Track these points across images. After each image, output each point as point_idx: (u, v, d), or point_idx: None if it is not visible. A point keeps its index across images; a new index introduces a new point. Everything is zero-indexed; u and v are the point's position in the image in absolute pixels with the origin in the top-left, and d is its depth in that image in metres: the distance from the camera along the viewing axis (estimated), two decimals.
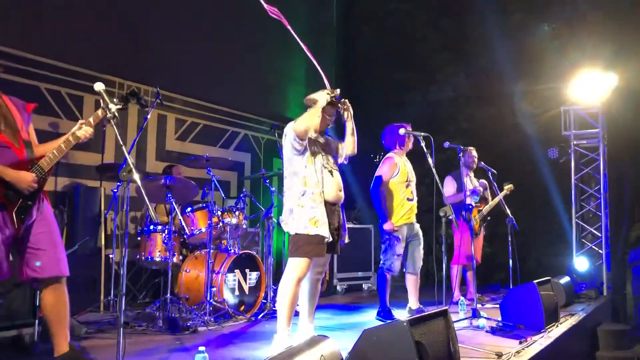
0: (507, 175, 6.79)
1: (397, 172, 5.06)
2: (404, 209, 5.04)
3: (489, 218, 6.57)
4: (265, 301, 5.35)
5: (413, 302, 5.17)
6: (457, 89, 9.45)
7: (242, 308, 5.16)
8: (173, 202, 4.93)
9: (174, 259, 5.11)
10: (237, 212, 5.38)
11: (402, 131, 5.02)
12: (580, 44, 8.40)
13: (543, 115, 8.64)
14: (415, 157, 5.21)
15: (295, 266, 3.63)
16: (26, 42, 5.40)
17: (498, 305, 5.00)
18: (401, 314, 5.07)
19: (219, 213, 5.27)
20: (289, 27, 3.81)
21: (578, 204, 8.27)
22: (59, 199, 5.53)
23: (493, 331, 4.41)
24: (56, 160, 3.00)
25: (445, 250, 4.63)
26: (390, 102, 9.36)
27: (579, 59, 8.14)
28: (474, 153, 6.35)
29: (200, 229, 5.22)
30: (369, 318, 5.27)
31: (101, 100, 2.88)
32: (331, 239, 3.69)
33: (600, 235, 7.97)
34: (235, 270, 5.15)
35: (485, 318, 4.68)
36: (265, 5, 3.79)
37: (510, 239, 6.02)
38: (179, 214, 5.11)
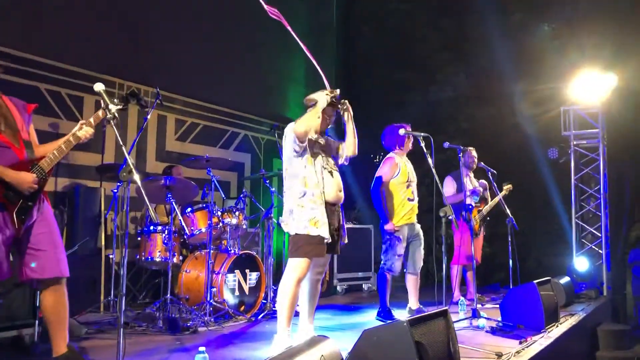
0: (507, 175, 6.79)
1: (398, 172, 5.06)
2: (404, 210, 5.04)
3: (488, 218, 6.57)
4: (265, 301, 5.35)
5: (413, 302, 5.17)
6: (457, 89, 9.45)
7: (242, 308, 5.16)
8: (173, 203, 4.94)
9: (174, 260, 5.11)
10: (237, 213, 5.38)
11: (401, 131, 5.02)
12: (580, 44, 8.41)
13: (543, 116, 8.64)
14: (415, 157, 5.22)
15: (295, 266, 3.63)
16: (26, 42, 5.41)
17: (498, 306, 5.00)
18: (401, 314, 5.07)
19: (219, 213, 5.27)
20: (289, 28, 3.81)
21: (578, 204, 8.27)
22: (59, 200, 5.53)
23: (493, 331, 4.41)
24: (57, 161, 3.00)
25: (445, 251, 4.63)
26: (390, 102, 9.36)
27: (578, 59, 8.15)
28: (474, 153, 6.35)
29: (200, 230, 5.22)
30: (369, 318, 5.27)
31: (101, 101, 2.88)
32: (331, 240, 3.69)
33: (600, 235, 7.97)
34: (236, 271, 5.15)
35: (485, 318, 4.68)
36: (265, 6, 3.79)
37: (510, 239, 6.02)
38: (179, 214, 5.11)
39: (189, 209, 5.31)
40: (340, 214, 3.92)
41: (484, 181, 6.48)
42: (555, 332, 4.52)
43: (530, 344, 3.97)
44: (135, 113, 6.45)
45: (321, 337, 2.44)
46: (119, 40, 6.22)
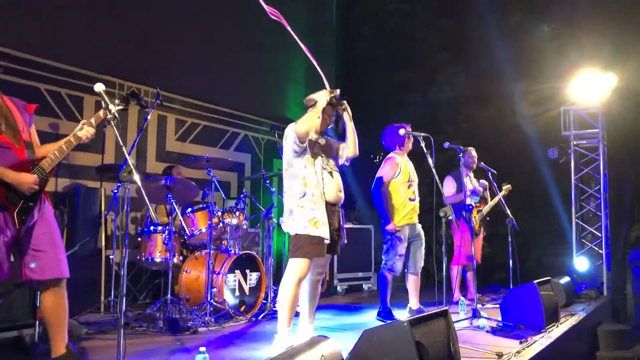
0: (507, 175, 6.79)
1: (399, 172, 5.06)
2: (406, 209, 5.04)
3: (488, 218, 6.58)
4: (265, 302, 5.35)
5: (413, 302, 5.18)
6: (456, 89, 9.46)
7: (242, 308, 5.16)
8: (173, 203, 4.94)
9: (175, 260, 5.11)
10: (237, 213, 5.38)
11: (401, 132, 5.02)
12: (579, 44, 8.41)
13: (543, 116, 8.64)
14: (415, 157, 5.22)
15: (295, 267, 3.63)
16: (26, 43, 5.41)
17: (498, 306, 5.00)
18: (401, 315, 5.07)
19: (219, 214, 5.27)
20: (289, 29, 3.81)
21: (578, 204, 8.27)
22: (60, 200, 5.53)
23: (493, 331, 4.41)
24: (57, 161, 3.00)
25: (446, 251, 4.63)
26: (390, 103, 9.36)
27: (578, 59, 8.15)
28: (474, 153, 6.36)
29: (201, 230, 5.23)
30: (370, 318, 5.27)
31: (102, 101, 2.88)
32: (331, 240, 3.69)
33: (600, 235, 7.97)
34: (236, 271, 5.15)
35: (486, 318, 4.68)
36: (265, 7, 3.79)
37: (510, 239, 6.02)
38: (179, 214, 5.12)
39: (189, 209, 5.31)
40: (341, 214, 3.92)
41: (484, 181, 6.49)
42: (555, 332, 4.52)
43: (531, 344, 3.97)
44: (136, 113, 6.45)
45: (321, 337, 2.45)
46: (119, 40, 6.22)
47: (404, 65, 9.54)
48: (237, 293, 5.15)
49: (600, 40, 8.13)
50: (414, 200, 5.11)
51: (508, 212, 6.13)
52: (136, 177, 2.71)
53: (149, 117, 5.21)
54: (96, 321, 4.65)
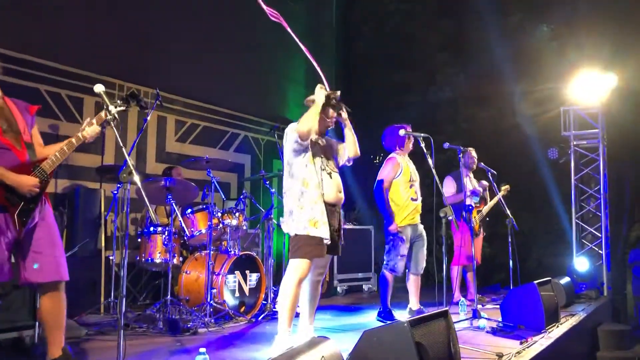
0: (507, 175, 6.79)
1: (400, 172, 5.06)
2: (408, 210, 5.03)
3: (487, 219, 6.58)
4: (265, 302, 5.35)
5: (414, 302, 5.17)
6: (456, 90, 9.46)
7: (242, 309, 5.16)
8: (173, 204, 4.93)
9: (174, 261, 5.11)
10: (237, 214, 5.38)
11: (401, 132, 5.02)
12: (579, 44, 8.41)
13: (543, 116, 8.64)
14: (416, 157, 5.23)
15: (295, 267, 3.63)
16: (26, 43, 5.40)
17: (498, 306, 5.00)
18: (402, 315, 5.07)
19: (219, 214, 5.27)
20: (289, 30, 3.81)
21: (578, 204, 8.27)
22: (59, 201, 5.53)
23: (493, 332, 4.41)
24: (58, 163, 2.99)
25: (446, 251, 4.63)
26: (390, 103, 9.36)
27: (578, 59, 8.15)
28: (474, 154, 6.36)
29: (201, 231, 5.23)
30: (370, 319, 5.27)
31: (103, 102, 2.88)
32: (331, 241, 3.69)
33: (600, 235, 7.97)
34: (236, 272, 5.15)
35: (486, 319, 4.68)
36: (265, 8, 3.79)
37: (510, 240, 6.02)
38: (179, 215, 5.11)
39: (189, 210, 5.31)
40: (341, 215, 3.92)
41: (484, 182, 6.49)
42: (555, 332, 4.52)
43: (531, 345, 3.97)
44: (135, 114, 6.45)
45: (322, 338, 2.44)
46: (118, 41, 6.22)
47: (403, 66, 9.55)
48: (237, 294, 5.15)
49: (600, 40, 8.13)
50: (416, 200, 5.11)
51: (508, 212, 6.13)
52: (136, 178, 2.70)
53: (148, 118, 5.21)
54: (96, 322, 4.65)
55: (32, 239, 2.94)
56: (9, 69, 5.08)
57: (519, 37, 8.87)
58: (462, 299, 5.36)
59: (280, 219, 3.82)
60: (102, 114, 2.94)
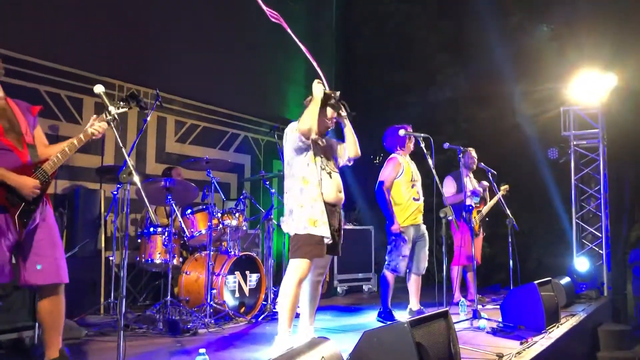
0: (507, 176, 6.79)
1: (402, 172, 5.05)
2: (410, 210, 5.03)
3: (487, 219, 6.57)
4: (265, 303, 5.35)
5: (414, 303, 5.17)
6: (456, 90, 9.45)
7: (242, 310, 5.16)
8: (173, 204, 4.93)
9: (174, 261, 5.10)
10: (237, 214, 5.38)
11: (401, 132, 5.02)
12: (579, 44, 8.41)
13: (542, 116, 8.64)
14: (416, 158, 5.23)
15: (295, 267, 3.63)
16: (25, 44, 5.40)
17: (499, 306, 5.00)
18: (402, 315, 5.07)
19: (219, 215, 5.27)
20: (289, 31, 3.81)
21: (578, 205, 8.27)
22: (59, 202, 5.53)
23: (494, 332, 4.41)
24: (60, 164, 2.99)
25: (446, 252, 4.63)
26: (390, 103, 9.36)
27: (578, 60, 8.15)
28: (474, 154, 6.36)
29: (200, 231, 5.23)
30: (370, 319, 5.26)
31: (103, 103, 2.88)
32: (331, 240, 3.68)
33: (600, 235, 7.97)
34: (236, 272, 5.15)
35: (486, 319, 4.68)
36: (265, 9, 3.79)
37: (510, 240, 6.02)
38: (179, 216, 5.11)
39: (188, 211, 5.31)
40: (341, 215, 3.91)
41: (484, 182, 6.49)
42: (555, 332, 4.52)
43: (531, 345, 3.97)
44: (135, 115, 6.45)
45: (322, 339, 2.44)
46: (118, 42, 6.22)
47: (403, 66, 9.54)
48: (237, 294, 5.14)
49: (600, 40, 8.13)
50: (417, 200, 5.10)
51: (508, 212, 6.13)
52: (136, 178, 2.70)
53: (148, 118, 5.22)
54: (96, 323, 4.65)
55: (33, 241, 2.94)
56: (8, 70, 5.02)
57: (519, 37, 8.87)
58: (462, 299, 5.36)
59: (281, 218, 3.81)
60: (104, 115, 2.94)
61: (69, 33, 5.76)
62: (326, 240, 3.64)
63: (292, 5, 8.71)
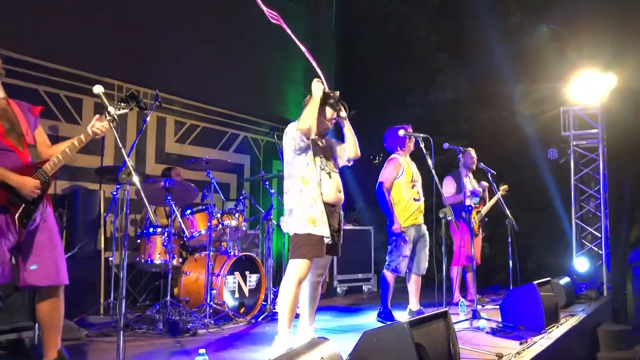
0: (507, 176, 6.79)
1: (402, 172, 5.05)
2: (410, 210, 5.03)
3: (487, 219, 6.58)
4: (265, 303, 5.34)
5: (414, 303, 5.17)
6: (456, 91, 9.46)
7: (242, 310, 5.16)
8: (172, 205, 4.93)
9: (174, 262, 5.10)
10: (236, 214, 5.38)
11: (401, 133, 5.02)
12: (579, 44, 8.41)
13: (542, 116, 8.65)
14: (416, 158, 5.23)
15: (295, 268, 3.63)
16: (25, 44, 5.40)
17: (498, 306, 5.00)
18: (401, 316, 5.07)
19: (219, 215, 5.27)
20: (288, 31, 3.81)
21: (578, 205, 8.27)
22: (59, 202, 5.52)
23: (493, 332, 4.41)
24: (60, 165, 2.99)
25: (445, 252, 4.63)
26: (390, 104, 9.37)
27: (578, 60, 8.16)
28: (474, 154, 6.36)
29: (200, 231, 5.22)
30: (370, 320, 5.26)
31: (103, 103, 2.88)
32: (331, 240, 3.68)
33: (600, 235, 7.97)
34: (235, 273, 5.15)
35: (486, 319, 4.68)
36: (265, 10, 3.79)
37: (510, 240, 6.02)
38: (178, 216, 5.11)
39: (188, 211, 5.31)
40: (341, 215, 3.91)
41: (484, 182, 6.49)
42: (555, 332, 4.52)
43: (531, 345, 3.97)
44: (135, 115, 6.45)
45: (321, 339, 2.44)
46: (118, 42, 6.22)
47: (403, 66, 9.55)
48: (236, 295, 5.14)
49: (600, 40, 8.14)
50: (418, 200, 5.10)
51: (507, 212, 6.13)
52: (135, 179, 2.70)
53: (148, 118, 5.22)
54: (96, 323, 4.65)
55: (33, 242, 2.94)
56: (8, 70, 5.04)
57: (519, 37, 8.89)
58: (462, 299, 5.36)
59: (280, 218, 3.81)
60: (105, 115, 2.94)
61: (68, 33, 5.76)
62: (326, 240, 3.64)
63: (292, 5, 8.71)
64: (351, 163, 4.04)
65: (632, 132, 8.08)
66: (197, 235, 5.24)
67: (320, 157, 3.79)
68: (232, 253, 5.25)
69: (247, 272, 5.26)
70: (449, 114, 9.32)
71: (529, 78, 8.71)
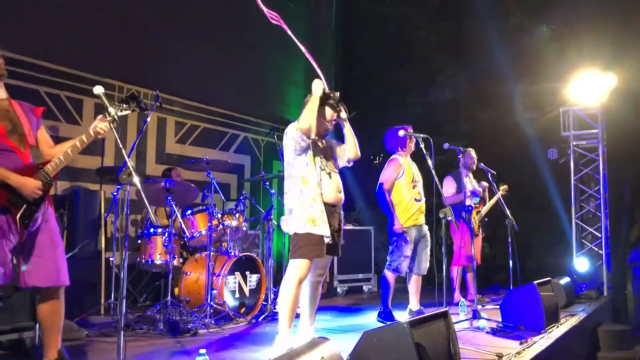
0: (507, 176, 6.79)
1: (403, 172, 5.05)
2: (411, 210, 5.03)
3: (486, 219, 6.58)
4: (265, 303, 5.35)
5: (414, 303, 5.17)
6: (456, 91, 9.46)
7: (242, 310, 5.16)
8: (173, 205, 4.93)
9: (175, 262, 5.10)
10: (237, 215, 5.38)
11: (401, 133, 5.02)
12: (579, 45, 8.41)
13: (542, 116, 8.65)
14: (416, 158, 5.23)
15: (295, 268, 3.63)
16: (25, 45, 5.40)
17: (498, 306, 5.00)
18: (402, 316, 5.07)
19: (219, 215, 5.27)
20: (289, 32, 3.82)
21: (578, 205, 8.27)
22: (59, 202, 5.52)
23: (493, 332, 4.41)
24: (62, 166, 2.99)
25: (445, 252, 4.63)
26: (390, 104, 9.37)
27: (578, 60, 8.16)
28: (474, 154, 6.36)
29: (201, 232, 5.23)
30: (370, 320, 5.27)
31: (103, 104, 2.88)
32: (331, 240, 3.69)
33: (600, 235, 7.97)
34: (236, 273, 5.15)
35: (486, 319, 4.68)
36: (265, 11, 3.79)
37: (510, 240, 6.02)
38: (179, 216, 5.12)
39: (189, 212, 5.31)
40: (341, 215, 3.92)
41: (484, 183, 6.49)
42: (555, 332, 4.52)
43: (531, 345, 3.97)
44: (135, 116, 6.45)
45: (322, 339, 2.45)
46: (118, 43, 6.23)
47: (403, 67, 9.55)
48: (237, 295, 5.15)
49: (600, 40, 8.14)
50: (419, 200, 5.10)
51: (507, 212, 6.13)
52: (136, 179, 2.71)
53: (148, 119, 5.22)
54: (96, 323, 4.65)
55: (34, 243, 2.94)
56: (8, 71, 5.07)
57: (519, 38, 8.88)
58: (462, 299, 5.36)
59: (281, 218, 3.82)
60: (105, 117, 2.95)
61: (68, 34, 5.77)
62: (326, 240, 3.65)
63: (292, 7, 8.72)
64: (351, 164, 4.04)
65: (632, 132, 8.08)
66: (197, 235, 5.24)
67: (321, 158, 3.79)
68: (232, 253, 5.25)
69: (247, 272, 5.27)
70: (449, 114, 9.32)
71: (529, 78, 8.71)
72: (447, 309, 3.18)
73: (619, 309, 7.83)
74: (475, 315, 4.76)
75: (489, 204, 6.51)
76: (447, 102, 9.42)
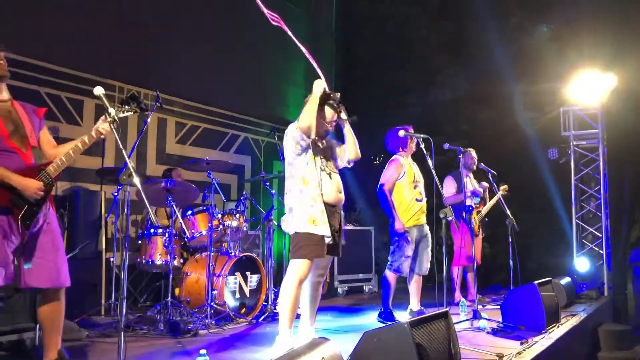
0: (507, 176, 6.79)
1: (404, 173, 5.05)
2: (412, 210, 5.03)
3: (487, 219, 6.58)
4: (266, 304, 5.35)
5: (414, 303, 5.17)
6: (456, 91, 9.46)
7: (243, 311, 5.16)
8: (173, 206, 4.94)
9: (175, 262, 5.10)
10: (237, 215, 5.39)
11: (401, 133, 5.02)
12: (579, 45, 8.42)
13: (543, 116, 8.65)
14: (416, 159, 5.23)
15: (296, 268, 3.63)
16: (25, 46, 5.40)
17: (499, 306, 5.00)
18: (402, 316, 5.07)
19: (220, 216, 5.27)
20: (289, 33, 3.82)
21: (578, 205, 8.27)
22: (60, 203, 5.52)
23: (494, 332, 4.41)
24: (64, 167, 3.00)
25: (446, 252, 4.63)
26: (390, 104, 9.37)
27: (578, 60, 8.16)
28: (474, 154, 6.36)
29: (201, 232, 5.23)
30: (370, 320, 5.27)
31: (103, 105, 2.89)
32: (332, 240, 3.69)
33: (600, 235, 7.97)
34: (236, 273, 5.16)
35: (486, 319, 4.68)
36: (265, 12, 3.80)
37: (510, 240, 6.02)
38: (179, 217, 5.12)
39: (189, 212, 5.31)
40: (341, 215, 3.92)
41: (485, 183, 6.49)
42: (556, 332, 4.52)
43: (531, 345, 3.97)
44: (135, 116, 6.45)
45: (322, 339, 2.45)
46: (118, 43, 6.23)
47: (403, 67, 9.55)
48: (237, 295, 5.15)
49: (600, 40, 8.14)
50: (420, 200, 5.10)
51: (508, 212, 6.13)
52: (136, 179, 2.71)
53: (148, 119, 5.22)
54: (97, 324, 4.65)
55: (36, 244, 2.95)
56: (9, 71, 5.07)
57: (519, 38, 8.89)
58: (463, 299, 5.36)
59: (281, 219, 3.82)
60: (107, 117, 2.95)
61: (69, 34, 5.77)
62: (326, 240, 3.65)
63: (292, 7, 8.72)
64: (351, 164, 4.04)
65: (632, 132, 8.08)
66: (198, 235, 5.24)
67: (321, 158, 3.79)
68: (232, 253, 5.25)
69: (247, 273, 5.27)
70: (449, 114, 9.32)
71: (529, 78, 8.71)
72: (447, 309, 3.18)
73: (620, 309, 7.83)
74: (476, 315, 4.76)
75: (489, 204, 6.51)
76: (447, 102, 9.42)
